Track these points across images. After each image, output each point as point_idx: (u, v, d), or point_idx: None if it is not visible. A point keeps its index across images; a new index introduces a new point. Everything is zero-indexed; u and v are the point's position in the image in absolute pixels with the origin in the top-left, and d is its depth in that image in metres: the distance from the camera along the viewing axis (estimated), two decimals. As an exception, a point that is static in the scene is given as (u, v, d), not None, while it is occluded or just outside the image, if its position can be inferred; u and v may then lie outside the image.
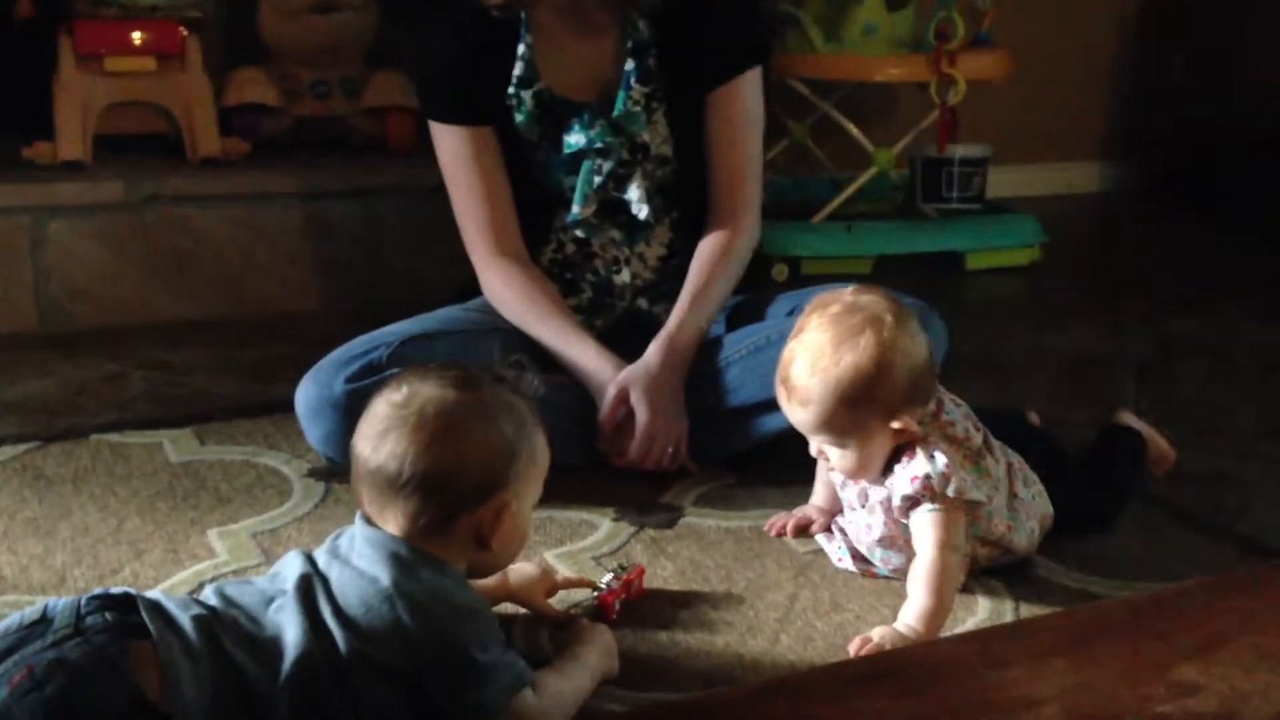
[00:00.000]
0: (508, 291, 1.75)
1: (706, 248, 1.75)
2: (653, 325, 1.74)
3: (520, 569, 1.29)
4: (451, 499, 1.07)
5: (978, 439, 1.36)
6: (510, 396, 1.12)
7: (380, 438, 1.08)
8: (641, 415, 1.62)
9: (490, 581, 1.26)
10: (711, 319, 1.75)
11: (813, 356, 1.28)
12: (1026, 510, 1.40)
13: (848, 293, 1.32)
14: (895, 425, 1.28)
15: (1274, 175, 3.18)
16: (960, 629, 1.29)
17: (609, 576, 1.33)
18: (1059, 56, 3.56)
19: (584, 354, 1.69)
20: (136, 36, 2.45)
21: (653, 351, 1.67)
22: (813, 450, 1.35)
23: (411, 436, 1.06)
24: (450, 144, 1.75)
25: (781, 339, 1.67)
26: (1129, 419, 1.69)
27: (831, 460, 1.33)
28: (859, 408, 1.27)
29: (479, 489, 1.08)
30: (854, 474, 1.34)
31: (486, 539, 1.09)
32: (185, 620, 0.98)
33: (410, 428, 1.07)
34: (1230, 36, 3.55)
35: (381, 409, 1.09)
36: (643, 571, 1.37)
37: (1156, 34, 3.74)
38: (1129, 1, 3.74)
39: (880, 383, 1.27)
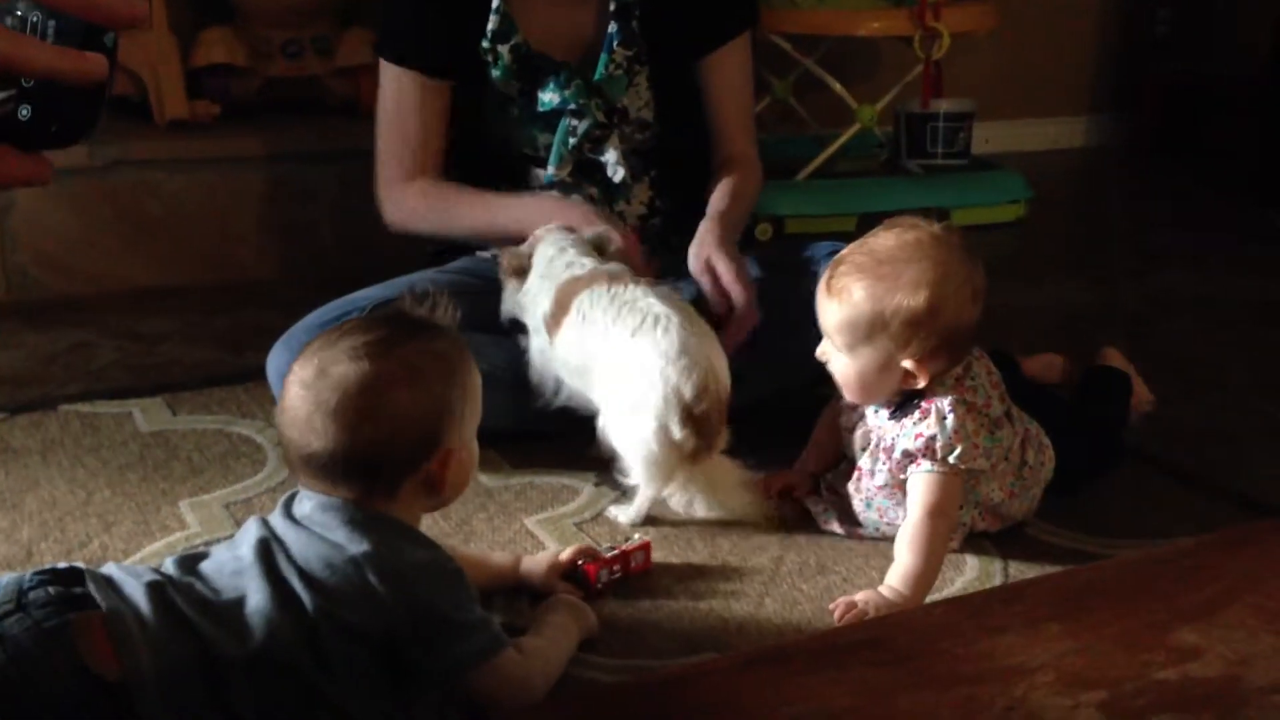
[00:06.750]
0: (423, 201, 1.70)
1: (724, 180, 1.69)
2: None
3: (532, 559, 1.27)
4: (392, 471, 1.03)
5: (999, 409, 1.33)
6: (432, 342, 1.06)
7: (306, 424, 1.01)
8: (727, 269, 1.53)
9: (504, 568, 1.25)
10: (739, 229, 1.69)
11: (884, 254, 1.28)
12: (1034, 478, 1.37)
13: (939, 227, 1.33)
14: (906, 364, 1.27)
15: (1258, 127, 3.15)
16: (949, 590, 1.27)
17: (607, 546, 1.30)
18: (1044, 9, 3.52)
19: (518, 202, 1.64)
20: (100, -4, 2.37)
21: (707, 226, 1.59)
22: (819, 351, 1.33)
23: (336, 420, 1.00)
24: (396, 86, 1.71)
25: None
26: (1115, 358, 1.67)
27: (832, 367, 1.32)
28: (892, 323, 1.25)
29: (419, 452, 1.04)
30: (847, 389, 1.33)
31: (437, 488, 1.05)
32: (136, 588, 0.95)
33: (332, 410, 1.00)
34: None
35: (294, 391, 1.02)
36: (649, 546, 1.32)
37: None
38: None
39: (929, 317, 1.25)
